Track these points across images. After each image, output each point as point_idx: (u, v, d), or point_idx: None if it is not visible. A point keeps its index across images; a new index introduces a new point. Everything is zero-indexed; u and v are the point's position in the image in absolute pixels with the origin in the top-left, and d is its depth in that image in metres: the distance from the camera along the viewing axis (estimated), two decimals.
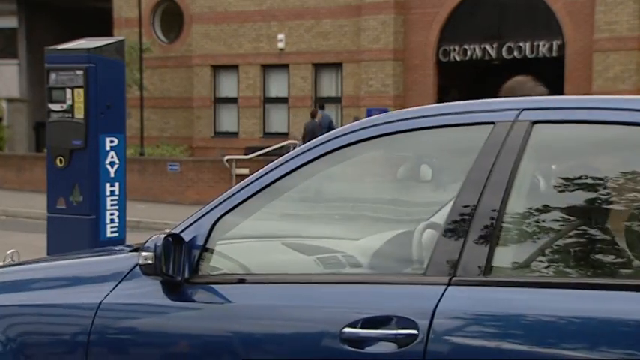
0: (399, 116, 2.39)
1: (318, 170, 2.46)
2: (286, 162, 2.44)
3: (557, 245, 2.14)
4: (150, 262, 2.28)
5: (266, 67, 21.26)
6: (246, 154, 17.81)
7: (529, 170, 2.17)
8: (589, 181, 2.13)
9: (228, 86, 21.76)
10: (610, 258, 2.08)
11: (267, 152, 17.82)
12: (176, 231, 2.42)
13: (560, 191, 2.15)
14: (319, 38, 20.23)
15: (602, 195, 2.12)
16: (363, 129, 2.40)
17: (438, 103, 17.11)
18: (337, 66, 20.27)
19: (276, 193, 2.48)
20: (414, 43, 19.24)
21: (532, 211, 2.17)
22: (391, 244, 3.00)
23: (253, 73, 21.32)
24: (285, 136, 19.63)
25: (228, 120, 21.92)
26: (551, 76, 18.05)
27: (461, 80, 19.76)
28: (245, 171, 16.34)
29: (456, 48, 19.03)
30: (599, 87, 17.03)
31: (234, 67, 21.50)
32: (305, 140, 15.98)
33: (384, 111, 19.21)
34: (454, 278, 2.05)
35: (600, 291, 1.89)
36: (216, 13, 21.40)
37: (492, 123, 2.18)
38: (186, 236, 2.40)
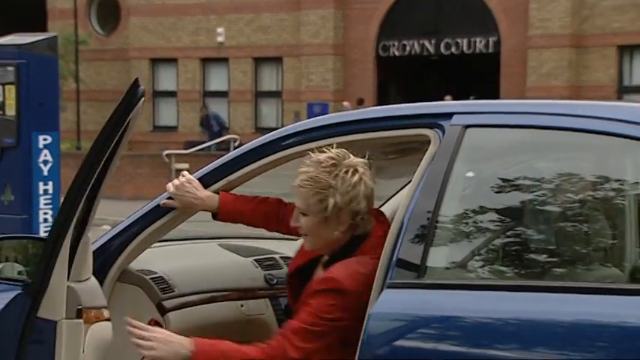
0: (340, 119, 2.39)
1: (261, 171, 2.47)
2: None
3: (491, 247, 2.18)
4: None
5: (205, 61, 21.06)
6: (185, 149, 17.62)
7: (462, 173, 2.20)
8: (520, 183, 2.18)
9: (166, 80, 21.48)
10: (542, 259, 2.13)
11: (207, 146, 17.68)
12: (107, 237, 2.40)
13: (493, 194, 2.20)
14: (259, 32, 20.14)
15: (534, 197, 2.17)
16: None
17: (377, 97, 17.09)
18: (277, 60, 20.23)
19: None
20: (354, 38, 19.34)
21: (466, 214, 2.21)
22: None
23: (192, 66, 21.09)
24: (225, 130, 19.48)
25: (167, 114, 21.65)
26: (487, 71, 18.40)
27: (400, 75, 19.96)
28: (185, 165, 16.15)
29: (395, 43, 19.21)
30: (533, 83, 17.43)
31: (172, 61, 21.23)
32: None
33: (325, 105, 19.36)
34: (388, 281, 2.06)
35: (533, 293, 1.93)
36: (154, 6, 21.08)
37: (426, 127, 2.21)
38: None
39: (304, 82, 19.67)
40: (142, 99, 1.90)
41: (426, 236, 2.08)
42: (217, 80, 21.10)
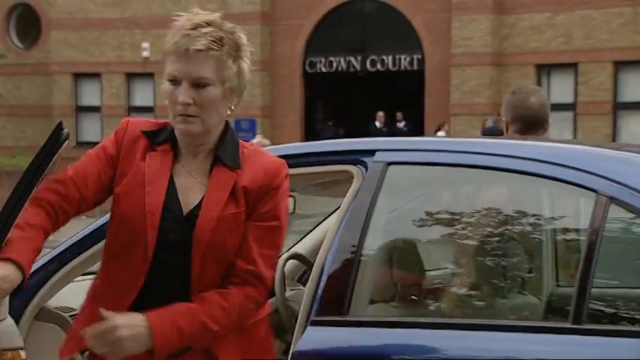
0: None
1: None
2: None
3: (412, 282, 2.22)
4: None
5: (130, 76, 20.71)
6: None
7: (385, 209, 2.24)
8: (441, 218, 2.23)
9: (90, 95, 21.02)
10: (464, 292, 2.18)
11: None
12: None
13: (415, 230, 2.24)
14: None
15: (453, 231, 2.23)
16: None
17: (305, 113, 17.02)
18: None
19: None
20: (281, 54, 19.38)
21: (388, 250, 2.24)
22: None
23: (117, 81, 20.72)
24: None
25: (91, 129, 21.18)
26: (413, 88, 18.74)
27: (327, 91, 20.10)
28: None
29: (322, 60, 19.35)
30: (457, 100, 17.83)
31: (96, 76, 20.81)
32: None
33: (253, 121, 19.28)
34: (313, 318, 2.07)
35: (457, 331, 1.95)
36: (76, 20, 20.63)
37: (350, 163, 2.24)
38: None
39: None
40: (66, 142, 1.84)
41: (349, 272, 2.09)
42: (143, 95, 20.78)
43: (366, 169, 2.19)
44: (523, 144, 2.17)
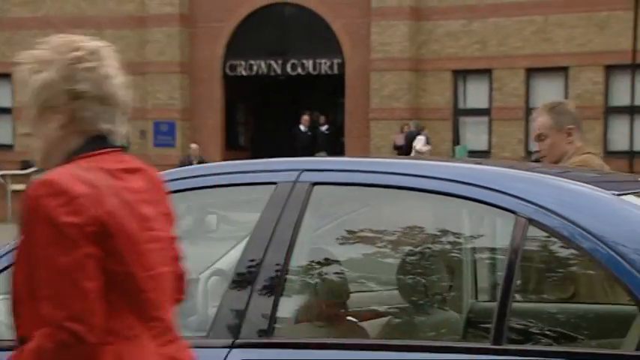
0: (188, 173, 2.38)
1: None
2: None
3: (337, 300, 2.24)
4: None
5: None
6: (23, 169, 16.72)
7: (311, 227, 2.25)
8: (364, 236, 2.26)
9: (2, 96, 20.28)
10: (388, 310, 2.20)
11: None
12: None
13: (338, 248, 2.26)
14: None
15: (376, 250, 2.26)
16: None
17: (226, 116, 16.87)
18: None
19: None
20: (201, 57, 19.19)
21: (312, 268, 2.26)
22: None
23: None
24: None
25: (2, 132, 20.45)
26: (333, 92, 18.88)
27: (247, 94, 20.02)
28: (22, 187, 15.30)
29: (242, 63, 19.27)
30: (377, 104, 18.06)
31: (8, 76, 20.07)
32: None
33: (172, 124, 19.04)
34: (237, 341, 2.05)
35: (382, 352, 1.97)
36: None
37: (274, 183, 2.23)
38: None
39: (150, 101, 19.24)
40: None
41: (274, 291, 2.09)
42: None
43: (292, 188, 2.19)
44: (444, 165, 2.22)
